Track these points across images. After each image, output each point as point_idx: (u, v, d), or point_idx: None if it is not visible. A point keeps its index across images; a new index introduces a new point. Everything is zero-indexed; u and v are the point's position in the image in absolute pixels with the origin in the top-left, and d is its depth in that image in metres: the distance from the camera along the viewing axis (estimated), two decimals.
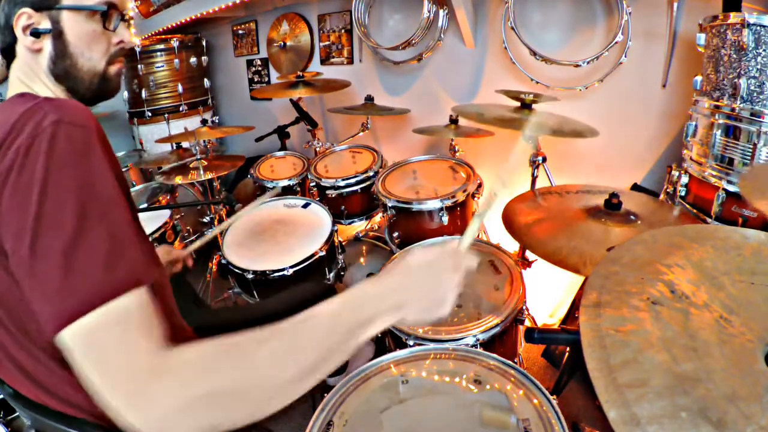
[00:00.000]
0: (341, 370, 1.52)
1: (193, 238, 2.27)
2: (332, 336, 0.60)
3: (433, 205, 1.69)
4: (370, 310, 0.63)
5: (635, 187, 1.96)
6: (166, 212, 2.19)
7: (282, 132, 2.67)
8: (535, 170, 1.68)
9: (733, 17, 1.20)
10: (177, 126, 3.06)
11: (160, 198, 2.33)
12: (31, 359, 0.68)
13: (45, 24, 0.73)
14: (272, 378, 0.56)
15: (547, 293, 2.05)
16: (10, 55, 0.76)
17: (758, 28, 1.15)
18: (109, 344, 0.54)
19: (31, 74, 0.75)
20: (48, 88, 0.76)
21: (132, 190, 2.48)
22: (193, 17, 2.86)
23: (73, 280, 0.55)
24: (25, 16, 0.72)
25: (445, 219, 1.69)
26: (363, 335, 0.61)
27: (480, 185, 1.82)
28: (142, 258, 0.62)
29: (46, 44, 0.74)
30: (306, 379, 0.57)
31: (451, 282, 0.68)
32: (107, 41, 0.79)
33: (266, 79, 3.34)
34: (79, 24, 0.75)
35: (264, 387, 0.55)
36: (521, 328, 1.35)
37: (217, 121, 3.45)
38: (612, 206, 1.25)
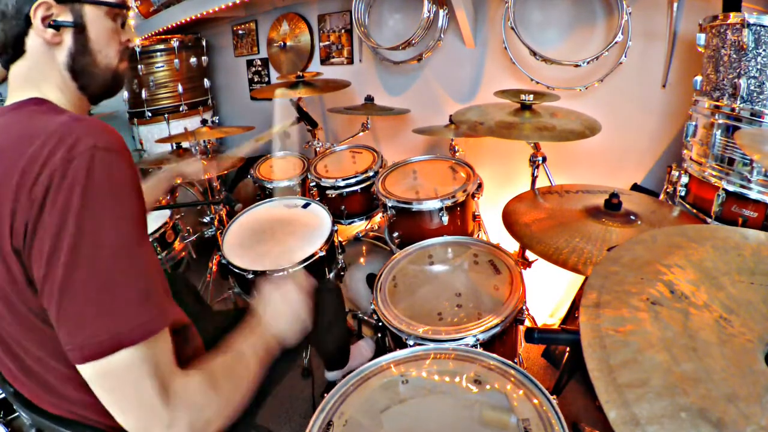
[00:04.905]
0: (341, 364, 1.53)
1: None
2: (257, 364, 0.77)
3: (433, 205, 1.69)
4: (265, 346, 0.80)
5: (635, 187, 1.96)
6: (166, 212, 2.19)
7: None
8: (535, 170, 1.67)
9: (733, 17, 1.20)
10: (177, 126, 3.06)
11: (160, 198, 2.32)
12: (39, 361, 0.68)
13: (66, 17, 0.71)
14: (242, 396, 0.72)
15: (547, 293, 2.05)
16: (16, 49, 0.72)
17: (758, 28, 1.15)
18: (127, 388, 0.59)
19: (42, 71, 0.73)
20: (58, 88, 0.74)
21: None
22: (193, 17, 2.86)
23: (105, 320, 0.57)
24: (44, 7, 0.69)
25: (445, 219, 1.69)
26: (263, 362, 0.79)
27: (480, 185, 1.82)
28: (166, 297, 0.65)
29: (66, 38, 0.73)
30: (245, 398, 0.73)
31: (294, 303, 0.88)
32: (119, 39, 0.80)
33: (266, 79, 3.34)
34: (99, 20, 0.75)
35: (237, 402, 0.70)
36: (521, 328, 1.35)
37: (217, 121, 3.45)
38: (612, 206, 1.25)
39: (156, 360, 0.61)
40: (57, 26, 0.71)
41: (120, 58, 0.81)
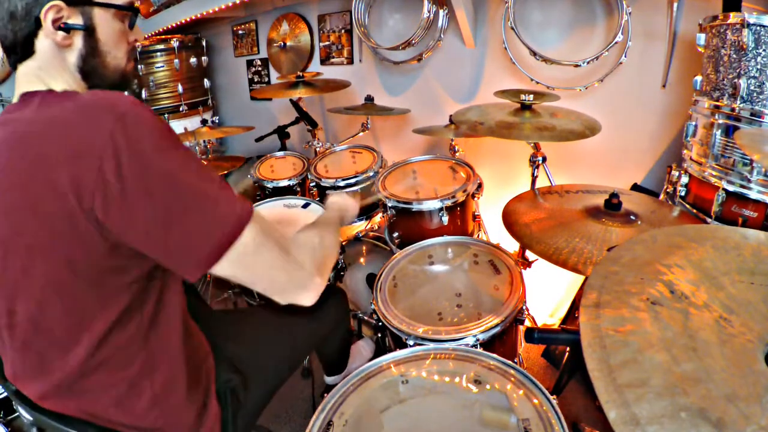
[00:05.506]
0: (341, 369, 1.53)
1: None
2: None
3: (433, 205, 1.68)
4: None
5: (635, 187, 1.96)
6: None
7: (282, 132, 2.67)
8: (535, 170, 1.68)
9: (733, 17, 1.20)
10: (177, 126, 3.06)
11: None
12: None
13: (76, 19, 0.72)
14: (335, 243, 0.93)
15: (547, 293, 2.05)
16: (25, 50, 0.72)
17: (758, 28, 1.15)
18: (263, 256, 0.71)
19: (52, 70, 0.73)
20: (69, 86, 0.74)
21: None
22: (193, 17, 2.86)
23: (224, 213, 0.67)
24: (55, 9, 0.69)
25: (445, 219, 1.69)
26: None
27: (480, 185, 1.82)
28: None
29: (77, 40, 0.73)
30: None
31: (349, 201, 1.22)
32: (127, 40, 0.80)
33: (266, 79, 3.34)
34: (108, 22, 0.75)
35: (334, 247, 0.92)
36: (521, 328, 1.35)
37: (217, 121, 3.45)
38: (612, 206, 1.25)
39: (265, 225, 0.71)
40: (68, 29, 0.71)
41: (127, 59, 0.82)
